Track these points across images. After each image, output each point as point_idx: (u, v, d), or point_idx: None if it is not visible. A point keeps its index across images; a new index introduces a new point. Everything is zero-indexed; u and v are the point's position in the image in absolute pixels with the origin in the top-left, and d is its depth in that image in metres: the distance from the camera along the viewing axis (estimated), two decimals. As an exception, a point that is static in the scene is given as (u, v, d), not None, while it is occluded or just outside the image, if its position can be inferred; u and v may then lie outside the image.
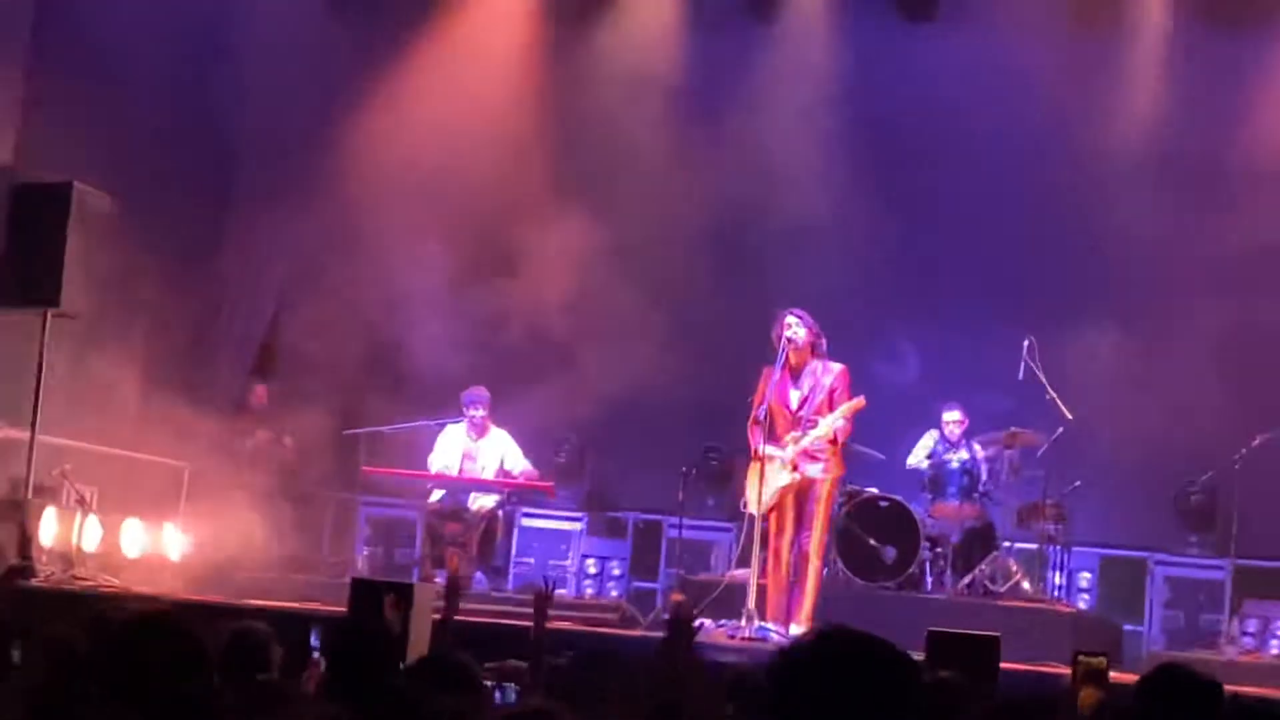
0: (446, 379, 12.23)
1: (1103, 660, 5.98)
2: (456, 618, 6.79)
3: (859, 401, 9.93)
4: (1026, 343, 11.47)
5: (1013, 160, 13.07)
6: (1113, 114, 12.93)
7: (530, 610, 6.20)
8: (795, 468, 9.90)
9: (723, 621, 9.86)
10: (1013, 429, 11.74)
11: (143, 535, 11.22)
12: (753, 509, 9.93)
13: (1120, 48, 13.07)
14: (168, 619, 3.94)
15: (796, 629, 9.69)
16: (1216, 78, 12.85)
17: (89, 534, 10.58)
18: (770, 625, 9.72)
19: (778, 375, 9.97)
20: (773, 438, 9.94)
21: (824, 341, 10.06)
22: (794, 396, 10.00)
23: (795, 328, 9.92)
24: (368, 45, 13.35)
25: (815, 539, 9.95)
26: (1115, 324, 12.60)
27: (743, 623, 9.69)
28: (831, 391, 9.97)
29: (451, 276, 12.68)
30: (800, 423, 9.96)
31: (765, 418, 9.87)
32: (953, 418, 11.96)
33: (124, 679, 3.76)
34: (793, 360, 9.99)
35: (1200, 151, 12.74)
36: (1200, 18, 12.92)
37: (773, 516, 9.96)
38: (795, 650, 2.77)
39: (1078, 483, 11.73)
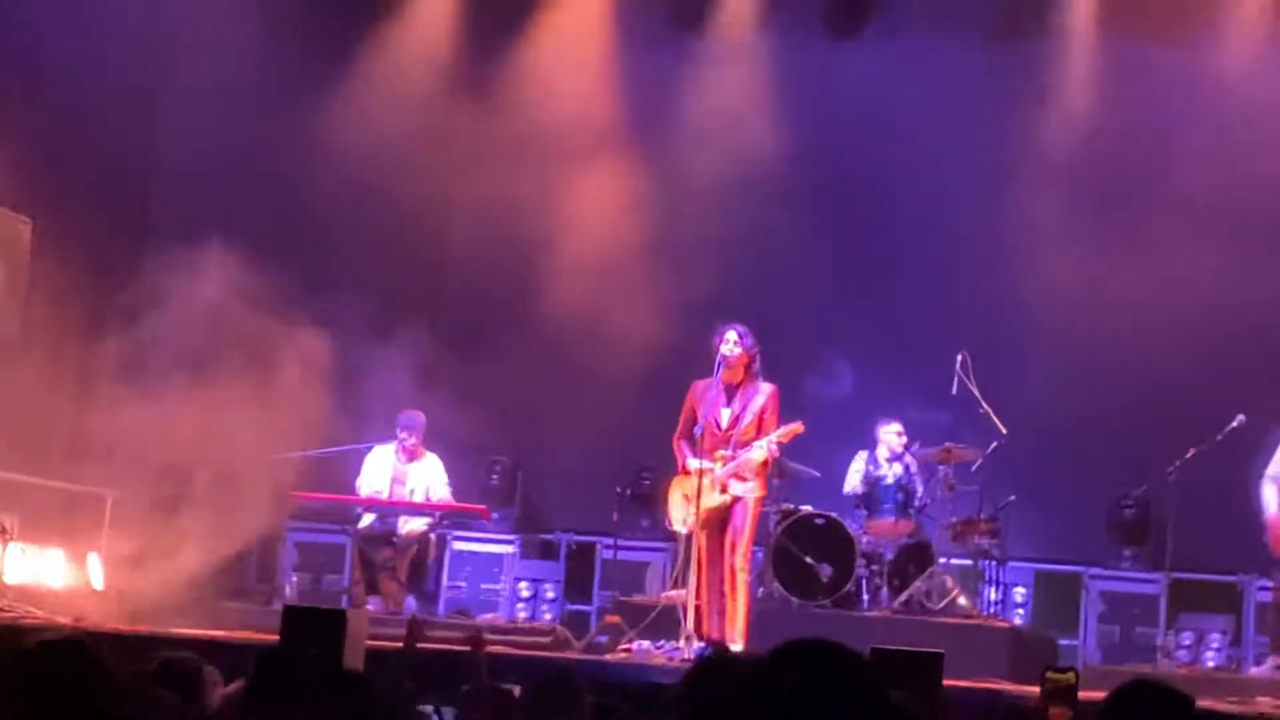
0: (374, 401, 12.06)
1: (1071, 676, 5.93)
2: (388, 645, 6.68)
3: (797, 427, 9.87)
4: (960, 357, 11.46)
5: (944, 173, 13.10)
6: (1041, 123, 12.99)
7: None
8: (724, 489, 9.85)
9: (660, 643, 9.76)
10: (947, 444, 11.71)
11: (66, 565, 10.98)
12: (677, 526, 9.88)
13: (1045, 56, 13.14)
14: (74, 646, 3.82)
15: (734, 647, 9.60)
16: (1143, 84, 12.95)
17: (11, 564, 10.33)
18: (707, 646, 9.61)
19: (712, 391, 9.90)
20: (700, 453, 9.87)
21: (759, 364, 9.99)
22: (725, 415, 9.95)
23: (732, 345, 9.86)
24: (299, 67, 13.19)
25: (741, 554, 9.88)
26: (1049, 336, 12.66)
27: (681, 644, 9.59)
28: (761, 413, 9.93)
29: (384, 295, 12.52)
30: (729, 441, 9.89)
31: (702, 432, 9.79)
32: (893, 430, 11.92)
33: (29, 707, 3.66)
34: (725, 377, 9.93)
35: (1131, 157, 12.83)
36: (1122, 26, 13.00)
37: (702, 536, 9.89)
38: (766, 666, 2.71)
39: (1012, 497, 11.72)
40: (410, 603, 11.78)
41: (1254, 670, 10.87)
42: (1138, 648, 11.90)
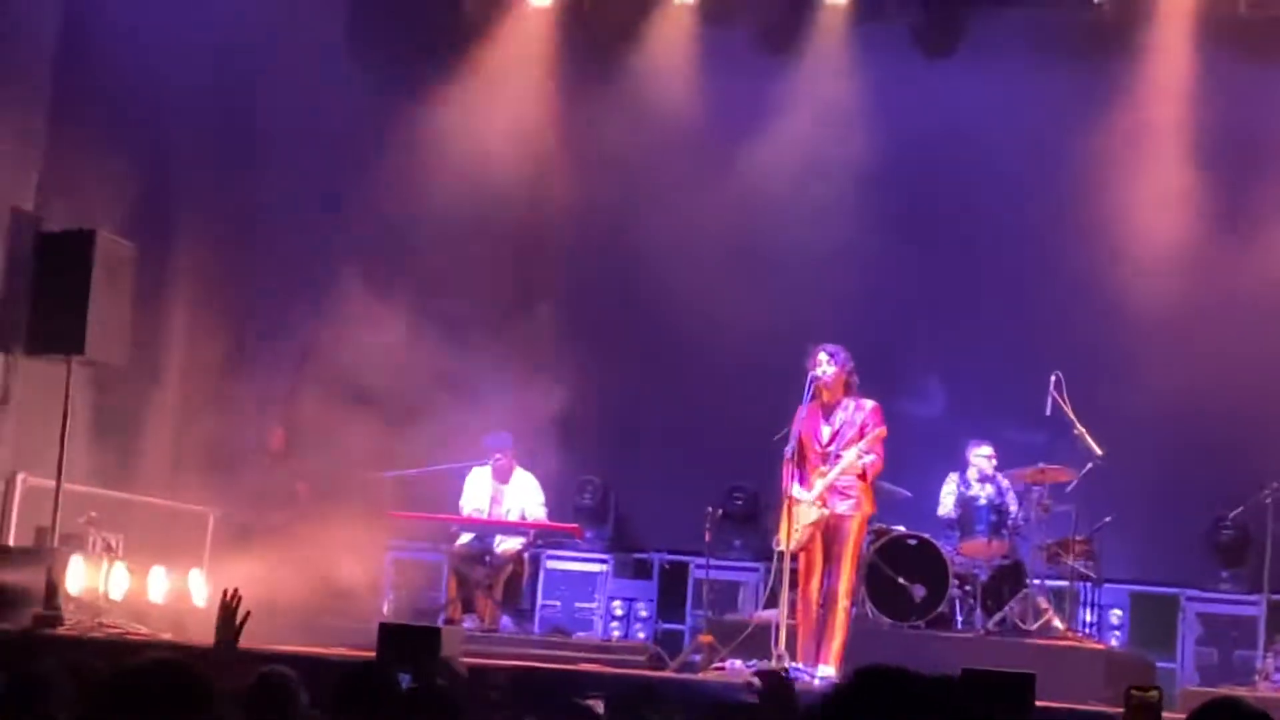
0: (473, 421, 12.19)
1: (1155, 694, 5.92)
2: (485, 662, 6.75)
3: (880, 430, 9.86)
4: (1054, 377, 11.40)
5: (1036, 193, 13.05)
6: (1133, 143, 12.91)
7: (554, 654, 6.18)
8: (824, 503, 9.83)
9: (752, 662, 9.79)
10: (1041, 465, 11.65)
11: (169, 582, 11.19)
12: (783, 547, 9.85)
13: (1137, 75, 13.05)
14: (175, 665, 3.91)
15: (825, 670, 9.61)
16: (1239, 105, 12.83)
17: (116, 581, 10.55)
18: (801, 666, 9.64)
19: (805, 411, 9.92)
20: (803, 474, 9.87)
21: (856, 378, 10.00)
22: (825, 432, 9.94)
23: (825, 365, 9.87)
24: (386, 87, 13.38)
25: (844, 578, 9.86)
26: (1145, 358, 12.56)
27: (773, 663, 9.61)
28: (863, 427, 9.91)
29: (477, 319, 12.66)
30: (829, 458, 9.90)
31: (794, 455, 9.81)
32: (983, 453, 11.88)
33: None
34: (824, 397, 9.94)
35: (1223, 178, 12.72)
36: (1222, 46, 12.90)
37: (801, 556, 9.89)
38: (837, 693, 2.76)
39: (1108, 518, 11.64)
40: (506, 621, 11.89)
41: None
42: (1236, 670, 11.76)
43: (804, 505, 9.81)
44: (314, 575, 11.53)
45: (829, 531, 9.87)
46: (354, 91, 13.30)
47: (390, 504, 12.11)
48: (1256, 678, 11.27)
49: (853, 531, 9.91)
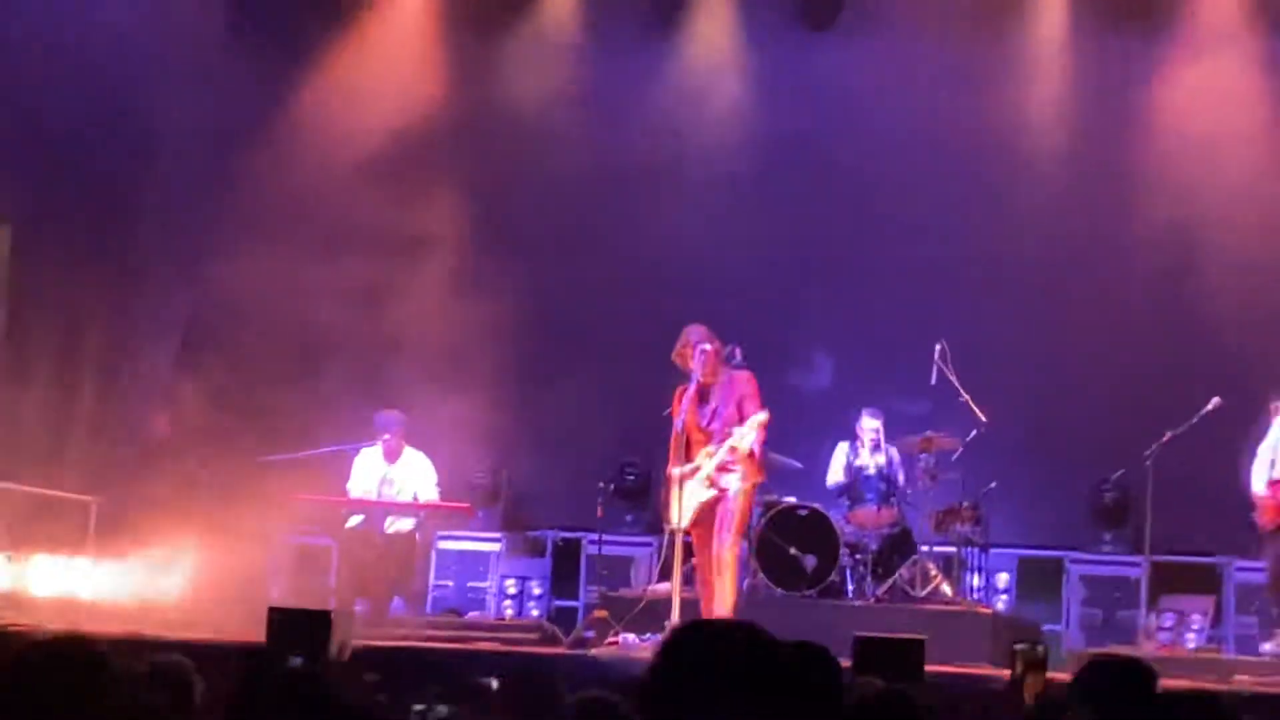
0: (359, 401, 12.10)
1: (1042, 649, 6.06)
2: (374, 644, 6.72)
3: (762, 416, 9.91)
4: (938, 346, 11.53)
5: (920, 164, 13.17)
6: (1015, 112, 13.08)
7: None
8: (712, 484, 9.90)
9: (647, 636, 9.82)
10: (928, 433, 11.79)
11: (52, 572, 11.00)
12: (673, 525, 9.92)
13: (1019, 47, 13.22)
14: (78, 643, 3.84)
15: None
16: (1114, 74, 13.04)
17: (-4, 572, 10.36)
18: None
19: (688, 390, 9.96)
20: (689, 455, 9.94)
21: (727, 352, 10.04)
22: (705, 412, 10.01)
23: (699, 350, 9.89)
24: (269, 67, 13.20)
25: (728, 546, 9.91)
26: (1026, 324, 12.75)
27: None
28: (741, 399, 9.98)
29: (363, 297, 12.54)
30: (713, 436, 9.96)
31: (681, 431, 9.86)
32: (873, 425, 11.99)
33: (28, 704, 3.67)
34: (704, 379, 9.98)
35: (1106, 145, 12.93)
36: (1097, 17, 13.08)
37: (695, 532, 9.96)
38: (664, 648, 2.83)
39: (993, 484, 11.80)
40: (397, 603, 11.82)
41: (1265, 647, 10.88)
42: (1120, 631, 11.99)
43: (694, 481, 9.86)
44: (201, 561, 11.40)
45: (719, 503, 9.94)
46: (235, 74, 13.10)
47: (278, 487, 11.98)
48: (1139, 637, 11.50)
49: (740, 499, 9.98)
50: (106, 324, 12.81)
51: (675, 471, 9.87)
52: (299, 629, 7.72)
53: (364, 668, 7.52)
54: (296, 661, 5.17)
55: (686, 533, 9.92)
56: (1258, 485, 10.45)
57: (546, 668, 7.88)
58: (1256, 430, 10.74)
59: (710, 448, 9.94)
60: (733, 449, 9.86)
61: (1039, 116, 13.11)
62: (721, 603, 9.84)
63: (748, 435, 9.86)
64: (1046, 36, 13.19)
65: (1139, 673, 3.69)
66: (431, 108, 13.49)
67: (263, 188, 12.91)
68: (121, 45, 12.47)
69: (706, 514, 9.95)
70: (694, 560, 10.20)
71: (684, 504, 9.83)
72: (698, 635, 2.89)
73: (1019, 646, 6.18)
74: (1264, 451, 10.55)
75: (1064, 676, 4.80)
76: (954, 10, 13.27)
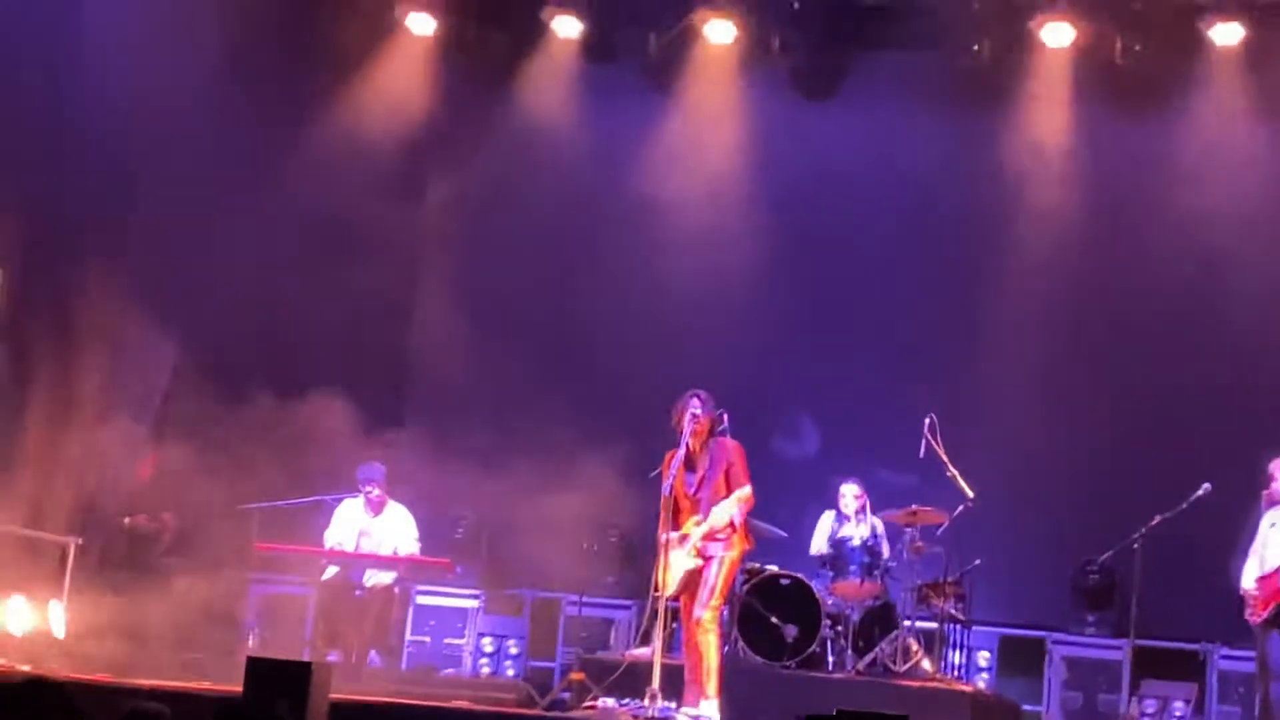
0: (344, 454, 12.03)
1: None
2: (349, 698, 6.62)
3: (746, 491, 9.85)
4: (928, 420, 11.49)
5: (913, 236, 13.20)
6: (1010, 187, 13.11)
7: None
8: (700, 553, 9.84)
9: (626, 701, 9.72)
10: (914, 506, 11.73)
11: (28, 613, 10.88)
12: (660, 591, 9.84)
13: (1015, 121, 13.26)
14: (46, 687, 3.79)
15: (707, 705, 9.57)
16: (1113, 153, 13.09)
17: (-29, 612, 10.24)
18: (673, 705, 9.58)
19: (677, 456, 9.90)
20: (677, 523, 9.88)
21: (720, 423, 9.99)
22: (691, 480, 9.95)
23: (697, 410, 9.85)
24: (264, 116, 13.20)
25: (709, 609, 9.80)
26: (1016, 401, 12.74)
27: (646, 702, 9.54)
28: (728, 467, 9.91)
29: (348, 349, 12.51)
30: (700, 505, 9.90)
31: (670, 496, 9.79)
32: (850, 491, 11.95)
33: None
34: (692, 446, 9.93)
35: (1104, 225, 12.96)
36: (1097, 94, 13.13)
37: (683, 599, 9.89)
38: None
39: (978, 561, 11.74)
40: (373, 657, 11.71)
41: None
42: (1101, 714, 11.91)
43: (679, 552, 9.80)
44: (179, 608, 11.29)
45: (704, 569, 9.86)
46: (231, 120, 13.08)
47: (257, 536, 11.89)
48: (1120, 721, 11.43)
49: (725, 565, 9.90)
50: (93, 367, 12.75)
51: (664, 537, 9.79)
52: (277, 679, 7.61)
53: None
54: (283, 711, 5.10)
55: (673, 598, 9.83)
56: (1247, 581, 10.37)
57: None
58: (1245, 519, 10.69)
59: (698, 517, 9.88)
60: (713, 528, 9.80)
61: (1032, 196, 13.13)
62: (708, 673, 9.72)
63: (726, 512, 9.79)
64: (1044, 115, 13.22)
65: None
66: (426, 165, 13.54)
67: (253, 236, 12.88)
68: (113, 94, 12.46)
69: (693, 581, 9.88)
70: (679, 625, 10.09)
71: (670, 572, 9.76)
72: None
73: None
74: (1254, 548, 10.48)
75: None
76: (953, 87, 13.33)
